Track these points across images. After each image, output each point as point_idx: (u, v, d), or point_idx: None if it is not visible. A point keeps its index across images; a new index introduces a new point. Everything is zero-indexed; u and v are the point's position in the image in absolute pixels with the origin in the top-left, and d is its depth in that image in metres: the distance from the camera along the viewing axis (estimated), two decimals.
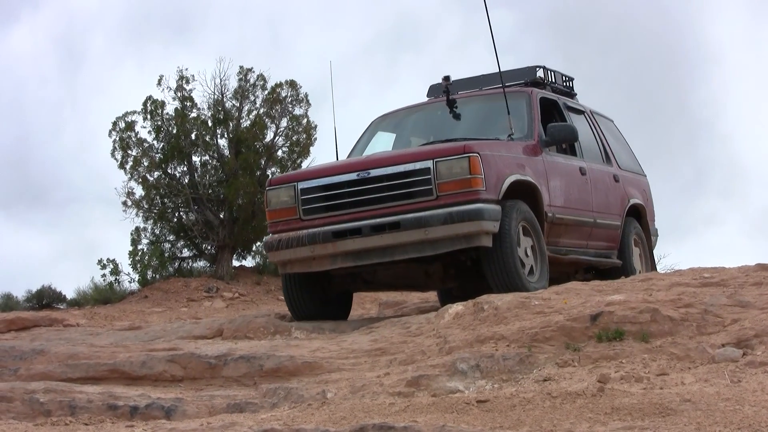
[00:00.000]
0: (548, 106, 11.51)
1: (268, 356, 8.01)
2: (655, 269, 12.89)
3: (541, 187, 10.32)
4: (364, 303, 15.45)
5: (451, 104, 11.38)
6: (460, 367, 6.92)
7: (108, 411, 7.24)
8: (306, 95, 22.61)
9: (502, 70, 11.43)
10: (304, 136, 22.61)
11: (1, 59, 36.66)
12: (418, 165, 9.53)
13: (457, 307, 8.28)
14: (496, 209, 9.52)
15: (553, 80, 12.22)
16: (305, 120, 22.67)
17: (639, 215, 12.63)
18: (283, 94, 22.57)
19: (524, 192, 10.13)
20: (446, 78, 11.32)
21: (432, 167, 9.46)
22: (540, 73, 12.03)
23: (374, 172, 9.68)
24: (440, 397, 6.39)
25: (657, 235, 13.21)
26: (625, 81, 36.99)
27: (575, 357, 6.89)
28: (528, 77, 11.91)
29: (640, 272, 12.10)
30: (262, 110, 22.50)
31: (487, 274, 9.68)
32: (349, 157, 11.49)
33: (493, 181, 9.59)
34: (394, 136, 11.89)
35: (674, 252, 42.36)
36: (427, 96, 12.28)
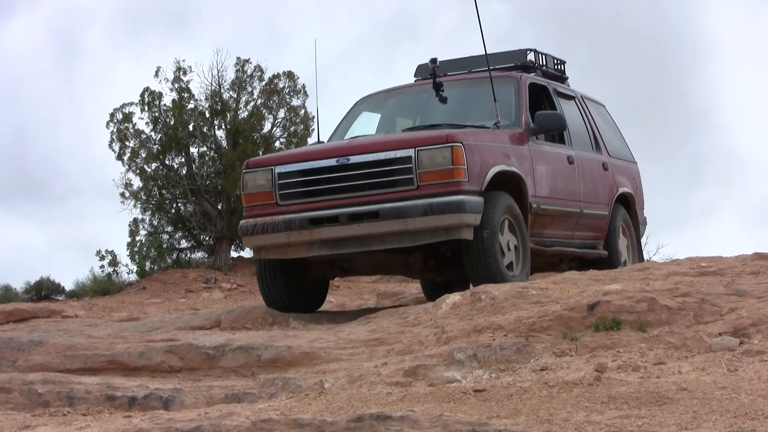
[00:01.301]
0: (538, 92, 11.26)
1: (266, 347, 8.01)
2: (642, 258, 12.74)
3: (526, 177, 10.09)
4: (362, 293, 15.47)
5: (438, 87, 10.99)
6: (458, 356, 6.93)
7: (106, 402, 7.25)
8: (303, 86, 22.66)
9: (493, 52, 11.23)
10: (302, 126, 22.63)
11: None
12: (400, 153, 9.32)
13: (454, 297, 8.29)
14: (478, 201, 9.31)
15: (544, 64, 11.96)
16: (303, 111, 22.69)
17: (627, 204, 12.39)
18: (281, 85, 22.58)
19: (509, 183, 9.91)
20: (433, 60, 10.89)
21: (414, 156, 9.25)
22: (531, 57, 11.76)
23: (354, 159, 9.45)
24: (437, 386, 6.40)
25: (646, 224, 13.00)
26: (621, 71, 37.00)
27: (572, 346, 6.90)
28: (518, 60, 11.65)
29: (626, 262, 11.94)
30: (259, 101, 22.52)
31: (467, 266, 9.49)
32: (330, 139, 11.23)
33: (476, 172, 9.38)
34: (378, 117, 11.60)
35: (672, 242, 42.39)
36: (414, 76, 11.94)
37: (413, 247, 9.53)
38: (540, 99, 11.26)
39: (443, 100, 10.99)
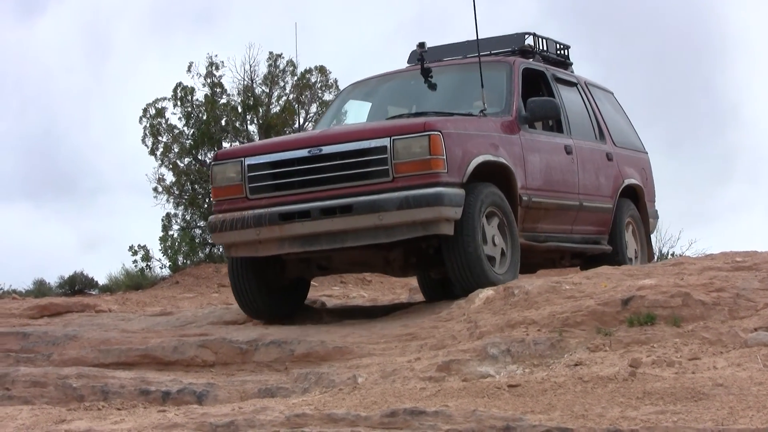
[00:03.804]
0: (535, 78, 10.65)
1: (299, 341, 8.03)
2: (652, 254, 12.16)
3: (515, 168, 9.49)
4: (394, 288, 15.45)
5: (426, 73, 10.28)
6: (491, 351, 6.92)
7: (140, 396, 7.29)
8: (335, 81, 22.61)
9: (491, 37, 10.86)
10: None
11: (29, 50, 36.82)
12: (374, 143, 8.72)
13: (487, 292, 8.27)
14: (458, 193, 8.71)
15: (545, 48, 11.32)
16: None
17: (636, 196, 11.72)
18: (313, 80, 22.58)
19: (496, 174, 9.33)
20: (421, 45, 10.18)
21: (389, 146, 8.65)
22: (530, 41, 11.11)
23: (327, 149, 8.86)
24: (471, 381, 6.39)
25: (657, 218, 12.32)
26: (649, 66, 36.80)
27: (606, 341, 6.87)
28: (516, 45, 10.99)
29: (634, 259, 11.41)
30: (291, 96, 22.51)
31: (448, 264, 8.92)
32: (315, 128, 10.69)
33: (457, 163, 8.78)
34: (368, 105, 11.05)
35: (703, 237, 42.17)
36: (408, 62, 11.16)
37: (393, 243, 8.99)
38: (537, 85, 10.67)
39: (435, 86, 10.40)
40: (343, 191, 8.74)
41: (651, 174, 12.29)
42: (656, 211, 12.28)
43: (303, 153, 8.94)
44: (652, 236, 12.34)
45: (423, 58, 10.22)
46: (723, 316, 7.06)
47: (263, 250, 9.06)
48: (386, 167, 8.66)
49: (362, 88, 11.26)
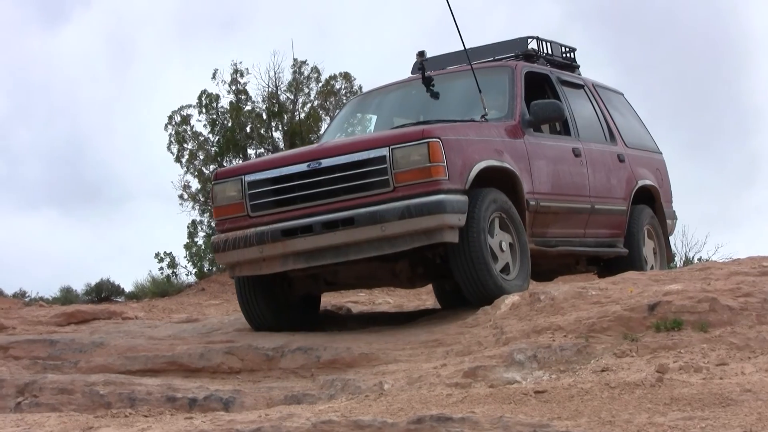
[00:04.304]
0: (539, 81, 10.53)
1: (325, 347, 8.03)
2: (671, 256, 12.01)
3: (521, 172, 9.35)
4: (419, 294, 15.43)
5: (428, 82, 10.13)
6: (517, 357, 6.90)
7: (167, 403, 7.30)
8: (360, 87, 22.66)
9: (494, 42, 10.81)
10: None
11: (54, 58, 37.03)
12: (373, 153, 8.60)
13: (513, 298, 8.25)
14: (461, 200, 8.57)
15: (550, 52, 11.21)
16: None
17: (651, 198, 11.56)
18: (337, 86, 22.62)
19: (501, 179, 9.18)
20: (421, 53, 9.99)
21: (388, 155, 8.53)
22: (533, 45, 11.03)
23: (326, 162, 8.74)
24: (497, 387, 6.38)
25: (675, 219, 12.07)
26: (674, 68, 36.72)
27: (633, 347, 6.85)
28: (519, 49, 10.92)
29: (651, 263, 11.25)
30: (316, 102, 22.56)
31: (455, 272, 8.80)
32: (319, 141, 10.65)
33: (458, 169, 8.64)
34: (373, 117, 11.02)
35: (728, 241, 42.01)
36: (412, 72, 11.04)
37: (399, 254, 8.84)
38: (542, 89, 10.56)
39: (439, 95, 10.23)
40: (345, 204, 8.63)
41: (666, 175, 12.13)
42: (674, 211, 12.10)
43: (302, 167, 8.82)
44: (673, 238, 12.18)
45: (424, 67, 10.10)
46: (750, 321, 7.03)
47: (267, 268, 8.93)
48: (386, 177, 8.54)
49: (367, 100, 11.25)
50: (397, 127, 9.73)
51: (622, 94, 12.22)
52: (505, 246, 9.03)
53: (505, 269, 8.99)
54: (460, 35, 9.41)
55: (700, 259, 18.20)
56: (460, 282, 8.81)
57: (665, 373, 6.15)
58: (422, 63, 10.08)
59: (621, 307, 7.30)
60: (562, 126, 10.55)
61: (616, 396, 5.77)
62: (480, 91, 9.51)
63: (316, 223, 8.61)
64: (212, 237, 9.15)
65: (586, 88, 11.35)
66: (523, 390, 6.10)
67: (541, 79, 10.59)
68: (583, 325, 7.21)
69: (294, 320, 9.45)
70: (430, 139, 8.53)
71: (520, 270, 9.09)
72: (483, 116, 9.55)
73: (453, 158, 8.61)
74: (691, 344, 6.76)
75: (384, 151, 8.57)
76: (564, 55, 11.49)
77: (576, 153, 10.37)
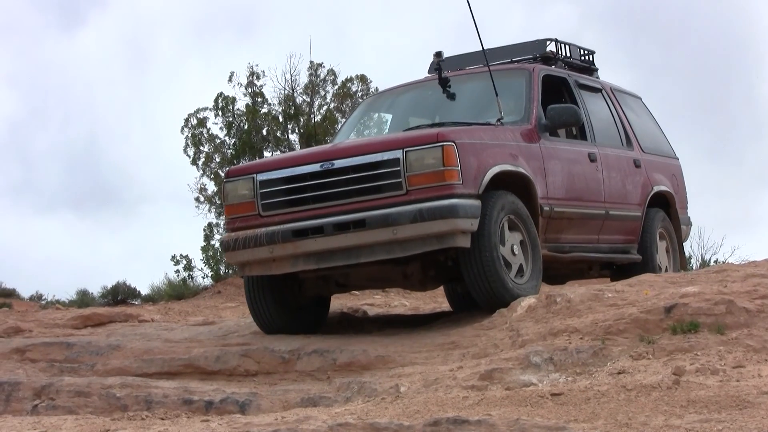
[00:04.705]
0: (556, 85, 10.44)
1: (341, 350, 8.03)
2: (685, 263, 11.83)
3: (535, 177, 9.26)
4: (436, 296, 15.43)
5: (444, 83, 10.03)
6: (534, 360, 6.90)
7: (183, 405, 7.32)
8: (376, 89, 22.65)
9: (513, 44, 10.75)
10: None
11: (71, 61, 37.15)
12: (387, 155, 8.51)
13: (529, 300, 8.25)
14: (474, 205, 8.47)
15: (568, 54, 11.07)
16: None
17: (666, 204, 11.43)
18: (354, 89, 22.63)
19: (515, 184, 9.09)
20: (438, 54, 9.94)
21: (401, 158, 8.44)
22: (551, 47, 10.90)
23: (339, 163, 8.64)
24: (514, 390, 6.37)
25: (690, 224, 11.95)
26: (690, 72, 36.65)
27: (649, 349, 6.83)
28: (537, 51, 10.80)
29: (666, 268, 11.15)
30: (332, 105, 22.58)
31: (466, 277, 8.69)
32: (333, 141, 10.57)
33: (472, 173, 8.54)
34: (389, 117, 10.93)
35: (747, 243, 41.95)
36: (428, 72, 10.86)
37: (410, 256, 8.73)
38: (559, 92, 10.47)
39: (455, 96, 10.12)
40: (357, 206, 8.54)
41: (683, 180, 12.04)
42: (688, 218, 12.00)
43: (315, 167, 8.73)
44: (689, 240, 12.05)
45: (440, 67, 10.02)
46: (767, 324, 7.01)
47: (277, 268, 8.85)
48: (399, 180, 8.45)
49: (382, 100, 11.17)
50: (411, 129, 9.69)
51: (640, 98, 12.13)
52: (517, 250, 8.96)
53: (517, 274, 8.91)
54: (479, 36, 9.37)
55: (716, 262, 18.15)
56: (470, 287, 8.75)
57: (682, 375, 6.14)
58: (439, 63, 10.01)
59: (637, 309, 7.29)
60: (578, 130, 10.47)
61: (632, 398, 5.77)
62: (497, 95, 9.43)
63: (327, 225, 8.52)
64: (223, 235, 9.04)
65: (603, 92, 11.27)
66: (540, 392, 6.09)
67: (558, 83, 10.52)
68: (599, 327, 7.20)
69: (304, 322, 9.40)
70: (445, 143, 8.44)
71: (531, 275, 9.02)
72: (499, 120, 9.45)
73: (467, 162, 8.54)
74: (708, 346, 6.75)
75: (398, 154, 8.48)
76: (582, 58, 11.42)
77: (592, 158, 10.29)
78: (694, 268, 17.41)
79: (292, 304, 9.40)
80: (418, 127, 9.64)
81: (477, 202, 8.52)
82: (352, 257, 8.57)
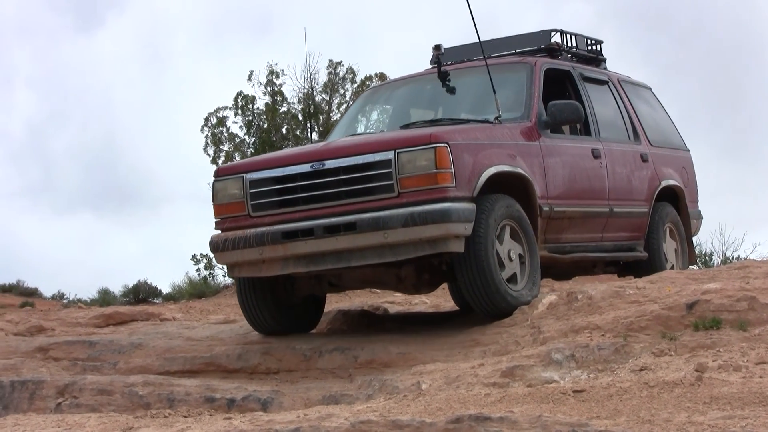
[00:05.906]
0: (560, 78, 10.12)
1: (362, 348, 8.04)
2: (694, 258, 11.58)
3: (534, 177, 8.98)
4: None
5: (444, 76, 9.71)
6: (555, 357, 6.89)
7: (205, 403, 7.34)
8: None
9: (515, 34, 10.48)
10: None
11: (89, 62, 37.26)
12: (378, 156, 8.26)
13: (550, 297, 8.24)
14: (468, 208, 8.19)
15: (574, 45, 10.70)
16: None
17: (675, 198, 11.09)
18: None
19: (513, 184, 8.84)
20: (437, 47, 9.61)
21: (393, 159, 8.19)
22: (556, 38, 10.51)
23: (330, 164, 8.40)
24: (536, 387, 6.37)
25: (700, 219, 11.60)
26: (707, 68, 36.53)
27: (671, 346, 6.82)
28: (542, 42, 10.42)
29: (672, 264, 10.82)
30: (351, 103, 22.59)
31: (460, 282, 8.45)
32: (329, 136, 10.39)
33: (466, 176, 8.29)
34: (388, 110, 10.66)
35: (764, 240, 41.74)
36: (430, 64, 10.42)
37: (403, 260, 8.48)
38: (563, 86, 10.17)
39: (455, 89, 9.81)
40: (348, 208, 8.31)
41: (693, 173, 11.70)
42: (699, 211, 11.67)
43: (306, 168, 8.50)
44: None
45: (440, 60, 9.72)
46: None
47: (266, 270, 8.62)
48: (391, 182, 8.20)
49: (381, 93, 10.97)
50: (405, 126, 9.48)
51: (650, 89, 11.81)
52: (513, 255, 8.70)
53: (513, 279, 8.65)
54: (476, 28, 9.11)
55: (737, 258, 18.08)
56: (464, 291, 8.55)
57: (704, 372, 6.12)
58: (438, 57, 9.70)
59: (659, 306, 7.28)
60: (582, 126, 10.14)
61: (655, 395, 5.76)
62: (494, 92, 9.17)
63: (318, 227, 8.31)
64: (211, 236, 8.88)
65: (610, 83, 10.93)
66: (562, 389, 6.09)
67: (562, 76, 10.22)
68: (621, 324, 7.19)
69: (297, 322, 9.27)
70: (438, 144, 8.19)
71: (528, 279, 8.77)
72: (497, 118, 9.20)
73: (461, 164, 8.30)
74: (730, 343, 6.73)
75: (389, 155, 8.24)
76: (589, 48, 11.02)
77: (595, 154, 9.99)
78: (715, 264, 17.36)
79: (284, 304, 9.22)
80: (413, 124, 9.48)
81: (471, 206, 8.28)
82: (342, 261, 8.36)
